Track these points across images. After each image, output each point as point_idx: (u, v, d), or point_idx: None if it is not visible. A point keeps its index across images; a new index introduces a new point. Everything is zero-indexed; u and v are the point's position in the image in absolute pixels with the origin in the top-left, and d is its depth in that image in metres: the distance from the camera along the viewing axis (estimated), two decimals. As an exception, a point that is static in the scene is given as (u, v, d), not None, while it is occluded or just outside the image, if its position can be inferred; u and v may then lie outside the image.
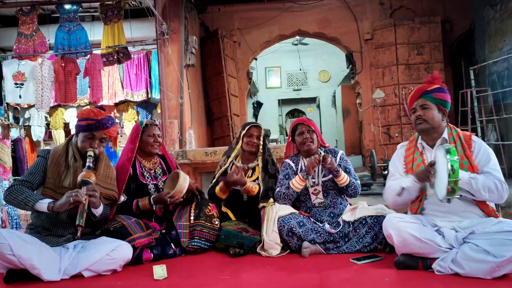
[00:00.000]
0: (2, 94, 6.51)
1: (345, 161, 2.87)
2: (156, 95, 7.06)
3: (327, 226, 2.60)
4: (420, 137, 2.37)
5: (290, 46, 11.83)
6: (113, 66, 6.48)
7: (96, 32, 6.12)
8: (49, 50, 6.03)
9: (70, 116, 7.77)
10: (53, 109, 7.53)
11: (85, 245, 2.35)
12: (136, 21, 6.39)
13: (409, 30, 7.47)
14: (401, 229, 2.10)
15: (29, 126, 7.74)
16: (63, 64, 6.12)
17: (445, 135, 2.26)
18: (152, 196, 2.74)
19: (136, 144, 2.84)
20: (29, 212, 2.55)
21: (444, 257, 2.02)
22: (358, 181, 2.81)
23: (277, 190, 2.80)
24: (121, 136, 7.86)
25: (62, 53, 5.90)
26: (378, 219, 2.50)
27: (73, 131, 2.81)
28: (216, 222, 2.73)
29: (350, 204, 2.86)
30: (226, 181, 2.90)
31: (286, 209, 2.67)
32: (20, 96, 6.33)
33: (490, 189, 2.05)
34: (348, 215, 2.64)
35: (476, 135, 5.92)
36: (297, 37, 10.09)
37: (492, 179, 2.08)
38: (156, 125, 2.96)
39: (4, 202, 3.12)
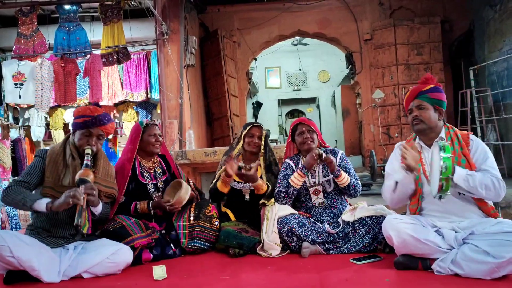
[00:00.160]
0: (2, 94, 6.51)
1: (345, 161, 2.87)
2: (155, 96, 7.06)
3: (327, 226, 2.60)
4: (417, 137, 2.37)
5: (289, 46, 11.83)
6: (113, 67, 6.47)
7: (95, 33, 6.12)
8: (49, 50, 6.03)
9: (70, 116, 7.76)
10: (52, 109, 7.52)
11: (86, 246, 2.34)
12: (135, 22, 6.39)
13: (408, 31, 7.48)
14: (401, 230, 2.10)
15: (29, 127, 7.73)
16: (62, 65, 6.12)
17: (443, 134, 2.27)
18: (151, 201, 2.74)
19: (137, 144, 2.84)
20: (29, 213, 2.54)
21: (443, 258, 2.02)
22: (359, 181, 2.81)
23: (276, 190, 2.80)
24: (121, 136, 7.86)
25: (61, 54, 5.90)
26: (378, 220, 2.50)
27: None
28: (216, 223, 2.73)
29: (350, 205, 2.86)
30: (242, 174, 2.81)
31: (285, 210, 2.67)
32: (19, 97, 6.33)
33: (487, 187, 2.06)
34: (348, 215, 2.64)
35: (476, 135, 5.91)
36: (297, 37, 10.09)
37: (490, 176, 2.08)
38: (156, 124, 2.96)
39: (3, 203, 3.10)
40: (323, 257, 2.49)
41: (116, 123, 7.73)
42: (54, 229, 2.36)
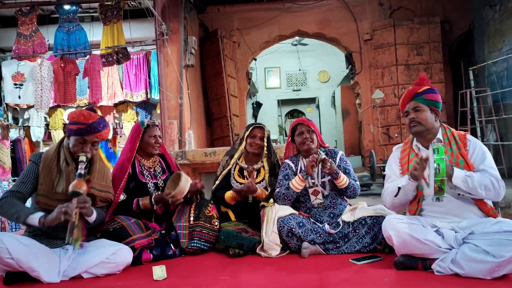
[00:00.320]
0: (1, 94, 6.51)
1: (344, 162, 2.87)
2: (155, 96, 7.06)
3: (326, 226, 2.60)
4: (415, 138, 2.37)
5: (289, 46, 11.84)
6: (113, 67, 6.48)
7: (95, 33, 6.12)
8: (49, 50, 6.03)
9: (70, 116, 7.75)
10: (52, 109, 7.52)
11: (85, 247, 2.33)
12: (135, 22, 6.39)
13: (408, 31, 7.48)
14: (401, 231, 2.10)
15: (29, 127, 7.73)
16: (62, 65, 6.12)
17: (440, 135, 2.27)
18: (153, 196, 2.73)
19: (136, 144, 2.84)
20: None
21: (443, 258, 2.02)
22: (358, 182, 2.81)
23: (276, 190, 2.80)
24: (120, 136, 7.85)
25: (61, 54, 5.90)
26: (378, 220, 2.50)
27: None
28: (216, 223, 2.73)
29: (350, 205, 2.86)
30: (239, 191, 2.88)
31: (285, 210, 2.67)
32: (19, 97, 6.33)
33: (486, 187, 2.06)
34: (347, 216, 2.64)
35: (476, 135, 5.92)
36: (297, 38, 10.09)
37: (488, 176, 2.08)
38: (157, 125, 2.96)
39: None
40: (323, 257, 2.49)
41: (116, 123, 7.73)
42: (53, 231, 2.34)
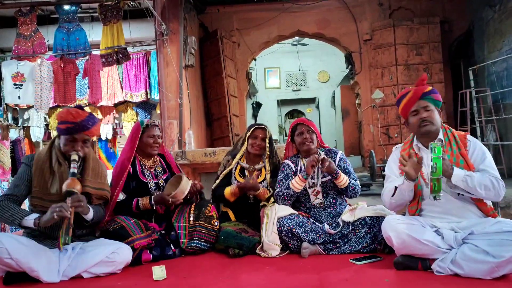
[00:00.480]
0: (1, 95, 6.51)
1: (344, 162, 2.87)
2: (155, 96, 7.05)
3: (326, 226, 2.60)
4: (415, 138, 2.36)
5: (289, 46, 11.84)
6: (112, 67, 6.47)
7: (95, 33, 6.12)
8: (48, 50, 6.02)
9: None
10: (52, 110, 7.50)
11: (84, 246, 2.33)
12: (135, 22, 6.38)
13: (408, 31, 7.48)
14: (400, 231, 2.10)
15: (28, 127, 7.73)
16: (62, 65, 6.11)
17: (441, 135, 2.26)
18: (153, 196, 2.73)
19: (136, 144, 2.84)
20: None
21: (443, 258, 2.02)
22: (358, 182, 2.81)
23: (276, 190, 2.80)
24: (120, 137, 7.85)
25: (61, 54, 5.90)
26: (378, 220, 2.50)
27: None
28: (216, 223, 2.73)
29: (350, 205, 2.86)
30: (243, 186, 2.87)
31: (285, 210, 2.67)
32: (19, 97, 6.32)
33: (486, 187, 2.06)
34: (347, 216, 2.64)
35: (475, 135, 5.92)
36: (296, 38, 10.10)
37: (488, 176, 2.08)
38: (157, 125, 2.95)
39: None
40: (323, 258, 2.49)
41: (116, 123, 7.73)
42: (52, 231, 2.32)
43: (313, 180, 2.77)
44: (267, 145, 3.05)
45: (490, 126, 6.61)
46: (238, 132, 7.60)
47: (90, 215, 2.34)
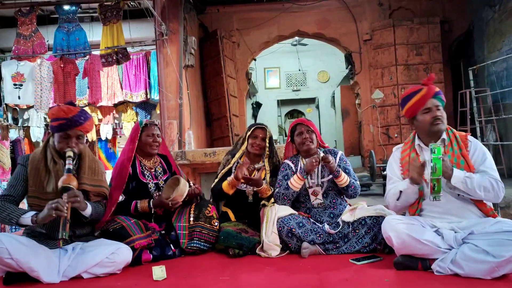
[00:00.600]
0: (1, 95, 6.50)
1: (344, 162, 2.87)
2: (155, 96, 7.05)
3: (326, 226, 2.60)
4: (417, 138, 2.35)
5: (289, 46, 11.84)
6: (112, 67, 6.47)
7: (95, 33, 6.11)
8: (48, 51, 6.02)
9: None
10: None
11: (84, 247, 2.33)
12: (135, 22, 6.38)
13: (408, 31, 7.48)
14: (400, 231, 2.10)
15: (28, 127, 7.72)
16: (62, 65, 6.11)
17: (444, 135, 2.26)
18: (152, 200, 2.73)
19: (135, 144, 2.84)
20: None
21: (443, 258, 2.02)
22: (358, 182, 2.81)
23: (276, 191, 2.80)
24: (120, 137, 7.85)
25: (61, 54, 5.89)
26: (378, 220, 2.50)
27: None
28: (216, 223, 2.73)
29: (350, 205, 2.86)
30: (248, 179, 2.81)
31: (285, 210, 2.67)
32: (19, 97, 6.31)
33: (485, 188, 2.06)
34: (347, 216, 2.64)
35: (475, 135, 5.91)
36: (296, 38, 10.10)
37: (488, 178, 2.08)
38: (156, 125, 2.94)
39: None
40: (323, 258, 2.49)
41: (116, 123, 7.73)
42: (52, 231, 2.32)
43: (313, 180, 2.77)
44: (267, 145, 3.05)
45: (490, 126, 6.61)
46: (238, 132, 7.60)
47: (88, 211, 2.34)
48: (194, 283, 2.13)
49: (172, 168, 3.01)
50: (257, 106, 12.41)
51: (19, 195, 2.33)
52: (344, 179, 2.69)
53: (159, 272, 2.20)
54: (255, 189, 2.91)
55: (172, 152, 3.99)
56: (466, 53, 7.74)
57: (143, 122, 2.91)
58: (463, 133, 2.29)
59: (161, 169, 2.95)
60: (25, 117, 7.77)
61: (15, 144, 7.04)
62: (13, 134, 7.28)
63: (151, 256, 2.54)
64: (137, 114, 7.70)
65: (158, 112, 6.96)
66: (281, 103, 13.45)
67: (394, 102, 7.57)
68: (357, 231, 2.54)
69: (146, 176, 2.86)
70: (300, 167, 2.84)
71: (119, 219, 2.57)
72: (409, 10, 7.77)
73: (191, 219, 2.70)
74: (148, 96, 7.21)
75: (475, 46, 7.37)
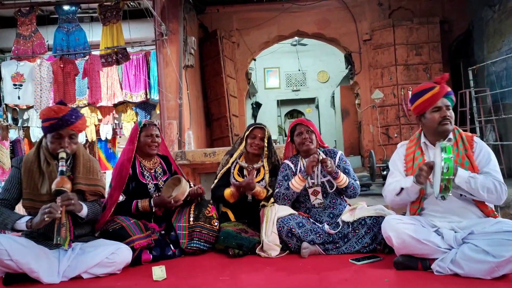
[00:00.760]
0: (1, 95, 6.50)
1: (344, 162, 2.87)
2: (155, 96, 7.04)
3: (326, 226, 2.60)
4: (423, 136, 2.34)
5: (289, 46, 11.85)
6: (112, 67, 6.47)
7: (94, 33, 6.11)
8: (48, 51, 6.02)
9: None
10: (51, 110, 7.51)
11: (84, 247, 2.33)
12: (135, 22, 6.38)
13: (407, 31, 7.49)
14: (400, 231, 2.10)
15: (28, 127, 7.72)
16: (62, 65, 6.11)
17: (450, 134, 2.25)
18: (153, 199, 2.73)
19: (135, 145, 2.84)
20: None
21: (443, 258, 2.02)
22: (357, 182, 2.81)
23: (276, 191, 2.80)
24: (120, 137, 7.85)
25: (60, 54, 5.89)
26: (378, 220, 2.50)
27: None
28: (216, 224, 2.73)
29: (350, 205, 2.86)
30: (238, 186, 2.87)
31: (285, 210, 2.67)
32: (18, 97, 6.32)
33: (489, 189, 2.06)
34: (347, 216, 2.64)
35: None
36: (296, 38, 10.10)
37: (492, 179, 2.08)
38: (155, 125, 2.94)
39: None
40: (323, 258, 2.49)
41: (115, 123, 7.72)
42: (51, 232, 2.27)
43: (312, 180, 2.77)
44: (266, 144, 3.05)
45: (489, 126, 6.61)
46: (237, 132, 7.60)
47: (84, 212, 2.32)
48: (194, 283, 2.13)
49: (173, 169, 3.01)
50: (257, 106, 12.41)
51: (14, 198, 2.32)
52: (343, 180, 2.68)
53: (159, 272, 2.20)
54: (248, 193, 2.90)
55: (172, 152, 4.00)
56: (465, 53, 7.74)
57: (142, 122, 2.91)
58: (470, 134, 2.29)
59: (161, 170, 2.95)
60: (25, 117, 7.76)
61: (15, 144, 7.04)
62: (13, 134, 7.27)
63: (151, 256, 2.54)
64: (137, 114, 7.69)
65: (158, 112, 6.96)
66: (281, 103, 13.44)
67: (393, 102, 7.57)
68: (357, 231, 2.54)
69: (146, 177, 2.86)
70: (300, 167, 2.84)
71: (119, 219, 2.57)
72: (408, 10, 7.77)
73: (191, 219, 2.70)
74: (148, 96, 7.21)
75: (474, 46, 7.37)
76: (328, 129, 12.53)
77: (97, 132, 7.62)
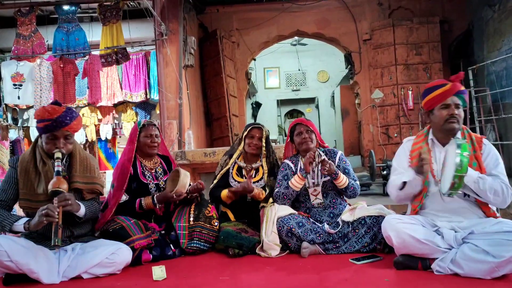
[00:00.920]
0: (1, 95, 6.50)
1: (344, 162, 2.87)
2: (155, 96, 7.04)
3: (326, 226, 2.60)
4: (431, 133, 2.33)
5: (288, 46, 11.84)
6: (112, 67, 6.47)
7: (94, 33, 6.11)
8: (48, 51, 6.02)
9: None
10: (51, 110, 7.50)
11: (84, 247, 2.33)
12: (134, 22, 6.37)
13: (407, 31, 7.49)
14: (400, 231, 2.10)
15: (28, 127, 7.71)
16: (61, 65, 6.11)
17: (458, 134, 2.25)
18: (156, 195, 2.73)
19: (135, 145, 2.84)
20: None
21: (443, 258, 2.02)
22: (357, 182, 2.81)
23: (276, 190, 2.80)
24: (120, 137, 7.85)
25: (60, 54, 5.89)
26: (377, 219, 2.50)
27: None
28: (216, 223, 2.73)
29: (349, 205, 2.86)
30: (234, 191, 2.88)
31: (285, 210, 2.67)
32: (18, 97, 6.32)
33: (496, 192, 2.05)
34: (347, 215, 2.64)
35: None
36: (296, 38, 10.10)
37: (500, 182, 2.08)
38: (155, 124, 2.93)
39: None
40: (323, 257, 2.49)
41: (115, 123, 7.72)
42: (50, 233, 2.23)
43: (313, 180, 2.77)
44: (264, 144, 3.05)
45: (489, 125, 6.61)
46: (237, 132, 7.60)
47: (81, 211, 2.31)
48: (194, 283, 2.13)
49: (172, 169, 3.01)
50: (256, 106, 12.41)
51: (11, 199, 2.31)
52: (342, 181, 2.68)
53: (159, 272, 2.20)
54: (248, 196, 2.90)
55: (171, 152, 4.00)
56: (465, 52, 7.74)
57: (141, 122, 2.90)
58: (479, 136, 2.28)
59: (162, 169, 2.95)
60: (24, 117, 7.76)
61: (15, 144, 7.04)
62: (13, 134, 7.27)
63: (151, 256, 2.54)
64: (136, 114, 7.69)
65: (157, 112, 6.96)
66: (281, 103, 13.44)
67: (393, 101, 7.57)
68: (356, 230, 2.54)
69: (147, 177, 2.86)
70: (300, 167, 2.84)
71: (119, 220, 2.57)
72: (408, 10, 7.77)
73: (191, 219, 2.69)
74: (148, 96, 7.21)
75: (474, 45, 7.37)
76: (328, 129, 12.53)
77: (97, 132, 7.62)
